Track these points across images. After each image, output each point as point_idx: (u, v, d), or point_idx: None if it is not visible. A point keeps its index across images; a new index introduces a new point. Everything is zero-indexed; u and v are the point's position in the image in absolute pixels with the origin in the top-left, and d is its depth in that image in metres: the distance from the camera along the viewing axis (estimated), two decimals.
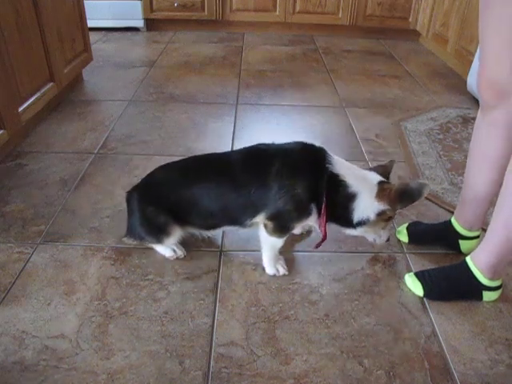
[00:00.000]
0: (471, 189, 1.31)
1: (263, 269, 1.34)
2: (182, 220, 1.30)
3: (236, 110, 2.37)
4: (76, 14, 2.39)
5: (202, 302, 1.23)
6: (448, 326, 1.19)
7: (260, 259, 1.34)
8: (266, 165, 1.19)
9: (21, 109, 1.85)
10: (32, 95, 1.95)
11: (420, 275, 1.28)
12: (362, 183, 1.19)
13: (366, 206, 1.18)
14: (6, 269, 1.31)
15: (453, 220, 1.40)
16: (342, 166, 1.19)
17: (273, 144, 1.26)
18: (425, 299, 1.26)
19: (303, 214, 1.20)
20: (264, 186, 1.18)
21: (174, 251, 1.37)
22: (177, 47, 3.33)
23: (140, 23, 3.60)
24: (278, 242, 1.28)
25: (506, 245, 1.14)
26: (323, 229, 1.22)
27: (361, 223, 1.21)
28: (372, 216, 1.19)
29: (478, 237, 1.38)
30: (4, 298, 1.21)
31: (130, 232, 1.36)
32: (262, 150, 1.24)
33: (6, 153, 1.86)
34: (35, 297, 1.22)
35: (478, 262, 1.21)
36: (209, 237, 1.45)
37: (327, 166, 1.17)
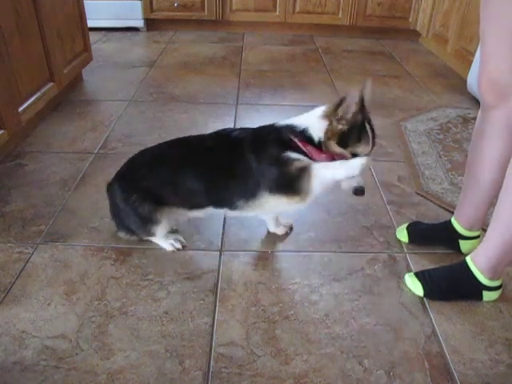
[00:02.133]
0: (471, 189, 1.31)
1: (263, 268, 1.34)
2: (165, 202, 1.29)
3: (236, 109, 2.37)
4: (76, 14, 2.39)
5: (202, 302, 1.23)
6: (448, 325, 1.19)
7: (260, 259, 1.35)
8: (240, 148, 1.22)
9: (21, 109, 1.85)
10: (32, 95, 1.95)
11: (420, 275, 1.28)
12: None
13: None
14: (6, 269, 1.31)
15: (453, 220, 1.40)
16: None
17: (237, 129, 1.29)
18: (425, 299, 1.26)
19: (295, 165, 1.17)
20: (251, 164, 1.20)
21: (173, 245, 1.38)
22: (177, 47, 3.33)
23: (140, 23, 3.60)
24: (301, 206, 1.24)
25: (507, 245, 1.14)
26: (321, 157, 1.19)
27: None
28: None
29: (478, 237, 1.38)
30: (4, 298, 1.21)
31: (120, 226, 1.36)
32: (231, 134, 1.27)
33: (5, 153, 1.86)
34: (35, 297, 1.22)
35: (479, 262, 1.21)
36: (209, 238, 1.45)
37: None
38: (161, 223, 1.31)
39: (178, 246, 1.39)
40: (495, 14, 1.05)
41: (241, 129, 1.30)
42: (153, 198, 1.27)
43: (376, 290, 1.29)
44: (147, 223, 1.31)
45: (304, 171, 1.17)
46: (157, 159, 1.32)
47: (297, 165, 1.17)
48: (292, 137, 1.19)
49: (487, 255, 1.19)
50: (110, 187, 1.35)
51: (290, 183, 1.19)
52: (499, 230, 1.14)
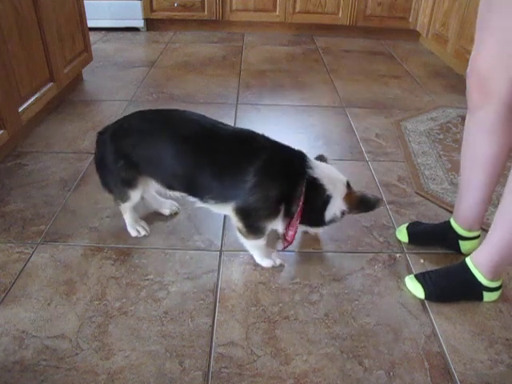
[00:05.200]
0: (467, 190, 1.30)
1: (263, 268, 1.34)
2: (148, 174, 1.30)
3: (236, 109, 2.37)
4: (76, 14, 2.39)
5: (201, 302, 1.23)
6: (448, 326, 1.19)
7: None
8: (250, 155, 1.18)
9: (21, 109, 1.85)
10: (32, 95, 1.95)
11: (420, 277, 1.27)
12: (336, 185, 1.23)
13: (336, 206, 1.23)
14: (6, 269, 1.31)
15: (452, 221, 1.40)
16: (320, 170, 1.22)
17: (261, 136, 1.24)
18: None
19: (271, 214, 1.21)
20: (241, 176, 1.17)
21: (138, 231, 1.44)
22: (177, 47, 3.33)
23: (140, 23, 3.60)
24: (258, 242, 1.28)
25: (508, 246, 1.13)
26: (293, 233, 1.24)
27: (331, 221, 1.26)
28: (338, 215, 1.25)
29: (478, 237, 1.38)
30: (4, 298, 1.21)
31: (101, 181, 1.36)
32: (251, 138, 1.23)
33: (6, 153, 1.86)
34: (35, 297, 1.22)
35: (479, 263, 1.21)
36: (209, 238, 1.45)
37: (307, 170, 1.20)
38: (138, 190, 1.33)
39: (144, 232, 1.44)
40: (495, 17, 1.05)
41: (257, 136, 1.25)
42: (138, 167, 1.27)
43: (376, 290, 1.29)
44: (125, 187, 1.31)
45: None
46: (151, 132, 1.25)
47: (275, 221, 1.23)
48: (301, 195, 1.18)
49: (488, 256, 1.18)
50: (101, 139, 1.32)
51: (260, 225, 1.23)
52: (501, 231, 1.14)
